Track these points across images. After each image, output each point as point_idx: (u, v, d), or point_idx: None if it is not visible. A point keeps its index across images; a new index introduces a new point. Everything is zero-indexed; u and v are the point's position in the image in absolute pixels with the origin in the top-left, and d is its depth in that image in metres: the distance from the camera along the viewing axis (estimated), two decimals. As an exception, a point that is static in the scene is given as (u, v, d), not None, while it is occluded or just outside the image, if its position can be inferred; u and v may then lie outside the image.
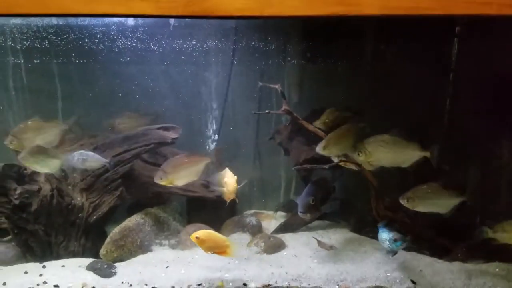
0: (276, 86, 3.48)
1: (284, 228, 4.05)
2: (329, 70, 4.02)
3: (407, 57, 3.90)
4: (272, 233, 4.01)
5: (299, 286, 3.03)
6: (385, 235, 3.04)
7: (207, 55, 3.71)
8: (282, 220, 4.27)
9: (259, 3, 2.25)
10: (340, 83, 4.00)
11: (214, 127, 4.13)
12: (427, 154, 3.06)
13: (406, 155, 3.11)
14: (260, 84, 3.57)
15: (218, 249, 3.00)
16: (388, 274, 3.17)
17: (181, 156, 3.42)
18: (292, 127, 3.95)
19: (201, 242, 2.94)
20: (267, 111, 3.51)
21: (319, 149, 3.13)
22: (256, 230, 3.97)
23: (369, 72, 3.99)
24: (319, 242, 3.67)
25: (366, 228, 3.88)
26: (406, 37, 3.70)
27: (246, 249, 3.65)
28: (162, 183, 3.20)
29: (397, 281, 3.10)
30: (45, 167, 3.29)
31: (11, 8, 2.27)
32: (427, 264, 3.35)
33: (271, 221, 4.34)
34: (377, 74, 4.01)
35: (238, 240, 3.85)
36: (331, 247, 3.62)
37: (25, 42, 3.35)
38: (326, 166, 3.24)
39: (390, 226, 3.13)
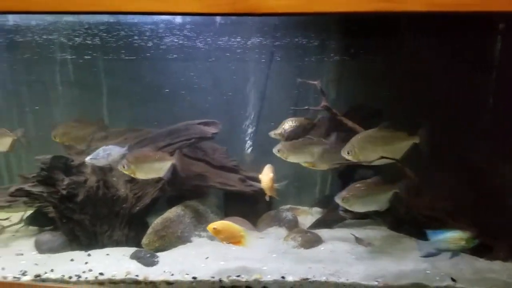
0: (315, 83, 3.50)
1: (320, 223, 4.07)
2: (368, 66, 3.99)
3: (447, 53, 3.83)
4: (308, 228, 4.04)
5: (337, 281, 3.04)
6: (450, 234, 2.95)
7: (247, 51, 3.76)
8: (318, 215, 4.29)
9: (305, 0, 2.27)
10: (379, 79, 3.97)
11: (252, 123, 4.18)
12: (416, 139, 3.07)
13: (396, 146, 3.12)
14: (299, 80, 3.59)
15: (233, 239, 3.06)
16: (427, 272, 3.14)
17: (147, 150, 3.52)
18: (330, 123, 3.96)
19: (217, 233, 3.02)
20: (306, 107, 3.54)
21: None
22: (292, 225, 4.01)
23: (409, 69, 3.94)
24: (357, 239, 3.67)
25: (404, 225, 3.84)
26: (446, 33, 3.63)
27: (283, 243, 3.70)
28: (125, 172, 3.30)
29: (437, 278, 3.07)
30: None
31: (63, 5, 2.39)
32: (467, 263, 3.29)
33: (307, 216, 4.37)
34: (416, 71, 3.95)
35: (274, 235, 3.91)
36: (369, 244, 3.61)
37: (76, 39, 3.50)
38: (364, 163, 3.23)
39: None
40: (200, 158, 4.11)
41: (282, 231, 3.96)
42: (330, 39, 3.78)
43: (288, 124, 3.64)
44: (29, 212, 4.09)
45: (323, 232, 3.93)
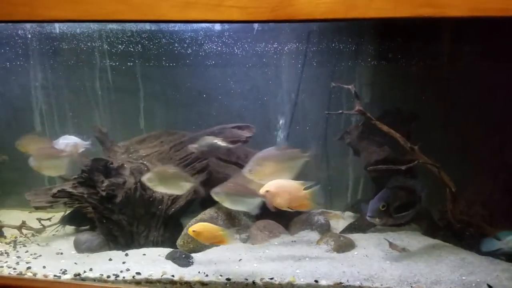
0: (350, 87, 3.50)
1: (353, 228, 4.07)
2: (403, 70, 3.98)
3: (484, 58, 3.78)
4: (341, 232, 4.04)
5: (372, 286, 3.03)
6: None
7: (284, 57, 3.81)
8: (350, 220, 4.29)
9: (344, 6, 2.29)
10: (414, 84, 3.96)
11: (285, 126, 4.22)
12: (307, 157, 3.22)
13: (290, 164, 3.21)
14: (333, 84, 3.61)
15: (215, 239, 3.12)
16: (463, 278, 3.09)
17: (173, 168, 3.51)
18: (364, 128, 3.96)
19: (197, 235, 3.09)
20: (340, 111, 3.56)
21: None
22: (324, 229, 4.02)
23: (445, 73, 3.91)
24: (391, 244, 3.65)
25: (439, 231, 3.80)
26: (482, 38, 3.59)
27: (316, 247, 3.71)
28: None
29: (473, 285, 3.02)
30: None
31: (110, 14, 2.49)
32: (504, 269, 3.22)
33: (339, 220, 4.36)
34: (452, 75, 3.92)
35: (306, 238, 3.92)
36: (403, 249, 3.58)
37: (120, 46, 3.64)
38: (403, 167, 3.22)
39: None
40: (233, 162, 4.16)
41: (314, 235, 3.97)
42: (366, 43, 3.78)
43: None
44: (68, 212, 4.25)
45: (356, 237, 3.92)
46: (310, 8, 2.30)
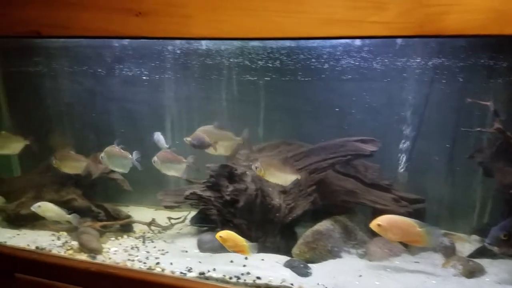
0: (488, 103, 3.29)
1: (481, 252, 3.78)
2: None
3: None
4: (468, 256, 3.77)
5: (508, 316, 2.81)
6: None
7: (426, 72, 3.70)
8: (476, 244, 3.99)
9: (497, 21, 2.18)
10: None
11: (409, 141, 4.09)
12: (240, 140, 3.96)
13: (225, 143, 3.92)
14: (469, 100, 3.41)
15: (237, 248, 3.37)
16: None
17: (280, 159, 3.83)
18: (499, 147, 3.67)
19: (223, 241, 3.36)
20: (478, 128, 3.35)
21: None
22: (449, 252, 3.79)
23: None
24: (525, 272, 3.34)
25: None
26: None
27: (441, 270, 3.52)
28: (258, 173, 3.65)
29: None
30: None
31: (250, 32, 2.64)
32: None
33: (464, 243, 4.09)
34: None
35: (430, 260, 3.74)
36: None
37: (259, 62, 3.85)
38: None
39: None
40: (351, 175, 4.13)
41: (437, 257, 3.76)
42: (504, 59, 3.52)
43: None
44: (193, 213, 4.55)
45: (484, 262, 3.64)
46: (461, 24, 2.22)
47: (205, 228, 4.34)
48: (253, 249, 3.44)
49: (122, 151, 4.07)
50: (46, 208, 4.09)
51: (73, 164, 4.34)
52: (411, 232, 3.11)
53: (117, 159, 4.09)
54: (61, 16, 3.07)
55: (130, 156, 4.03)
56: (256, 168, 3.64)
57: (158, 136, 4.42)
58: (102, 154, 4.11)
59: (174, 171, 4.08)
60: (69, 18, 3.05)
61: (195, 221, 4.43)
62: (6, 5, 3.24)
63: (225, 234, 3.41)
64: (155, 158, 4.03)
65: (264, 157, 4.06)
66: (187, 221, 4.57)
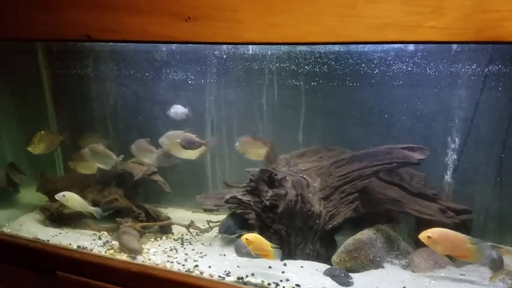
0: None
1: (532, 268, 3.61)
2: None
3: None
4: (517, 271, 3.62)
5: None
6: None
7: (483, 79, 3.59)
8: (525, 258, 3.82)
9: None
10: None
11: (458, 149, 3.97)
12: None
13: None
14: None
15: (262, 252, 3.42)
16: None
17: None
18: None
19: (249, 243, 3.40)
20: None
21: None
22: (497, 265, 3.63)
23: None
24: None
25: None
26: None
27: (489, 284, 3.39)
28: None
29: None
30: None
31: (304, 37, 2.62)
32: None
33: (512, 257, 3.92)
34: None
35: (476, 273, 3.60)
36: None
37: (306, 67, 3.83)
38: None
39: None
40: (396, 183, 4.02)
41: (483, 270, 3.63)
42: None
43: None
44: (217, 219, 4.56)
45: (535, 278, 3.48)
46: (525, 28, 2.13)
47: (235, 234, 4.31)
48: (277, 255, 3.45)
49: (149, 144, 4.58)
50: (71, 197, 4.24)
51: (100, 161, 4.56)
52: (462, 248, 3.01)
53: (144, 152, 4.61)
54: (111, 20, 3.13)
55: (155, 150, 4.56)
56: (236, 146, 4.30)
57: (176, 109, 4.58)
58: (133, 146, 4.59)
59: (148, 159, 4.62)
60: (119, 22, 3.11)
61: (225, 229, 4.39)
62: (57, 8, 3.33)
63: (252, 236, 3.43)
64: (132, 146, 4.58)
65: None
66: (214, 231, 4.55)
